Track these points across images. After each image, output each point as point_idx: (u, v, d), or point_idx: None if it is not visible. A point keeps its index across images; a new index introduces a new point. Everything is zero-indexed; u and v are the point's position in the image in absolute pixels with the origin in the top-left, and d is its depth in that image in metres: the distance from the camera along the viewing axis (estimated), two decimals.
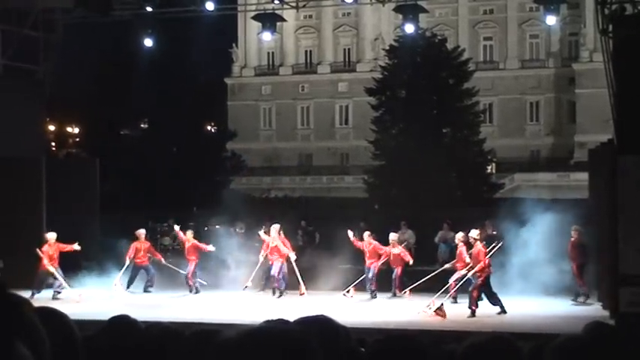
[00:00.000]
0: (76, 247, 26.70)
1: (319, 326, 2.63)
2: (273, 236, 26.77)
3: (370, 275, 26.14)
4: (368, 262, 26.22)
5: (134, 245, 27.84)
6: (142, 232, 28.34)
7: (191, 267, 27.54)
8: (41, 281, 26.82)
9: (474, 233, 23.36)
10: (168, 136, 51.55)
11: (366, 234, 26.81)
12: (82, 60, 61.31)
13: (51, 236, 26.84)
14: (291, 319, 3.01)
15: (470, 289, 23.05)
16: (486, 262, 22.99)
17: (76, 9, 31.03)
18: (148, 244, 28.40)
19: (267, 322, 2.55)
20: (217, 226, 30.54)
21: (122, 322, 2.92)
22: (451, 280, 24.01)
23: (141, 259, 27.73)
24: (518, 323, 20.95)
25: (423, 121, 47.51)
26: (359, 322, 17.95)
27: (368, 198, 48.25)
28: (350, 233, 26.43)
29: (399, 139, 49.49)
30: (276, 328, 1.93)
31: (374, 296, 25.97)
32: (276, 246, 26.67)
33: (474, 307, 22.75)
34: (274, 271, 26.58)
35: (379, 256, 26.27)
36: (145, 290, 27.57)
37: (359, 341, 9.27)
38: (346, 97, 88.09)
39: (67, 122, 74.02)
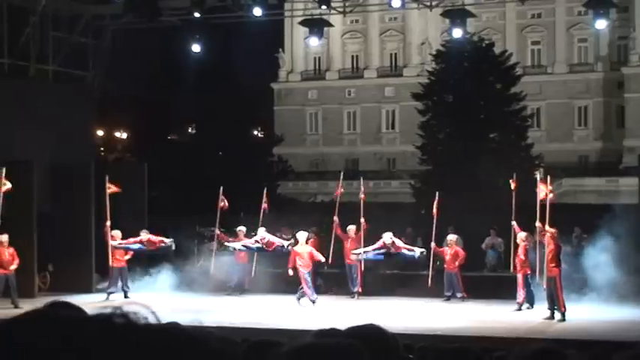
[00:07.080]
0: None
1: (370, 336, 2.63)
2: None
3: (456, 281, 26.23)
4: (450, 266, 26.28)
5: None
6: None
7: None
8: (115, 278, 27.05)
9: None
10: (215, 141, 51.76)
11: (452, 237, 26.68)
12: (131, 66, 61.80)
13: (117, 234, 27.12)
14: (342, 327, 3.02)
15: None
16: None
17: (125, 15, 31.29)
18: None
19: (320, 331, 2.54)
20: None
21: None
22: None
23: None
24: (570, 329, 20.83)
25: (470, 125, 47.28)
26: (405, 327, 17.87)
27: (414, 203, 48.04)
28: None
29: (445, 144, 49.31)
30: (330, 345, 1.91)
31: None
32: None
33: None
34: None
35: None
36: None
37: (405, 347, 9.26)
38: (393, 102, 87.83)
39: (116, 127, 74.63)
